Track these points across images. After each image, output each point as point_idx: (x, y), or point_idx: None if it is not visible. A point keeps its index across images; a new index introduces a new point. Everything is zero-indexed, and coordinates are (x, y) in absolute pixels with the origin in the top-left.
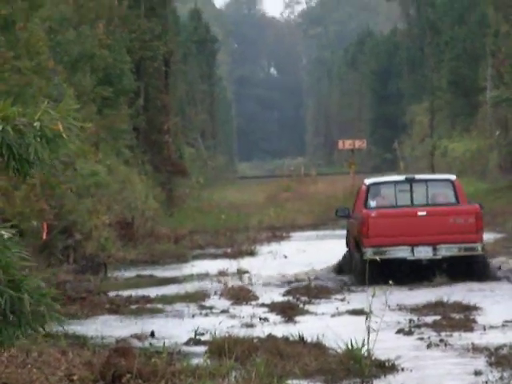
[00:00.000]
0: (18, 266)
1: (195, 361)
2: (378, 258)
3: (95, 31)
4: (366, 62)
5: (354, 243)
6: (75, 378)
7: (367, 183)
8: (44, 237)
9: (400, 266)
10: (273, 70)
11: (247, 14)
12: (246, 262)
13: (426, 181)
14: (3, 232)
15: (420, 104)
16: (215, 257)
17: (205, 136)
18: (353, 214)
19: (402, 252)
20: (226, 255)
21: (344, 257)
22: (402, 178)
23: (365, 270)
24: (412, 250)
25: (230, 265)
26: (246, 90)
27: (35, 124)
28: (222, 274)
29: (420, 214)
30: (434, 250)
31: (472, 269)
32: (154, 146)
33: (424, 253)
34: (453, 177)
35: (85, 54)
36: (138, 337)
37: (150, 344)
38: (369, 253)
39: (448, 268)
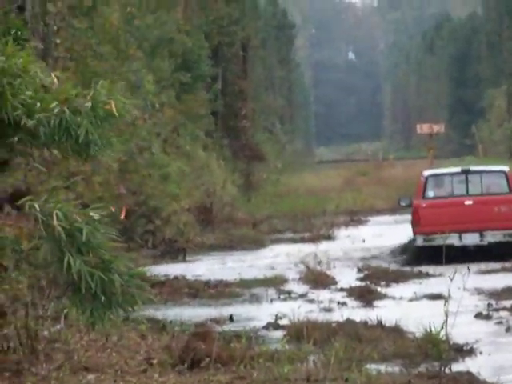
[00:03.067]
0: (107, 247)
1: (274, 345)
2: (427, 244)
3: (173, 16)
4: (444, 46)
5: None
6: (154, 362)
7: (426, 175)
8: (123, 217)
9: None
10: (351, 55)
11: None
12: (324, 247)
13: (481, 172)
14: (93, 213)
15: (498, 88)
16: (293, 241)
17: (283, 121)
18: (413, 203)
19: (450, 239)
20: (303, 240)
21: (409, 241)
22: (458, 169)
23: (416, 254)
24: (460, 237)
25: (308, 249)
26: (324, 74)
27: (86, 104)
28: (300, 258)
29: (467, 203)
30: (481, 236)
31: None
32: (232, 131)
33: (471, 239)
34: (506, 168)
35: (163, 38)
36: (217, 321)
37: (230, 328)
38: (419, 240)
39: (494, 254)
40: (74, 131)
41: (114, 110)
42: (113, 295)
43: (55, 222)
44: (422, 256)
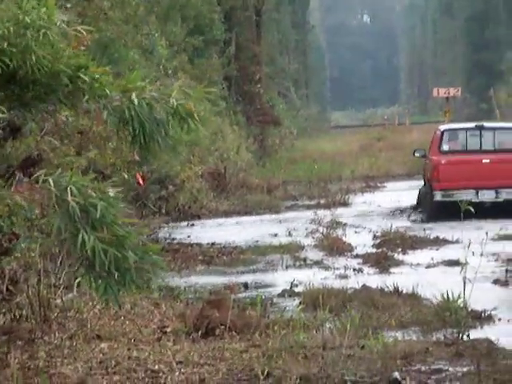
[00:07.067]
0: (121, 223)
1: (289, 313)
2: (445, 199)
3: None
4: (461, 7)
5: (427, 182)
6: (168, 330)
7: (442, 129)
8: (141, 183)
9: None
10: (366, 18)
11: None
12: (339, 213)
13: (494, 128)
14: (108, 189)
15: None
16: (308, 207)
17: (297, 85)
18: (428, 155)
19: (467, 195)
20: (319, 206)
21: (419, 191)
22: (472, 125)
23: (435, 208)
24: (477, 193)
25: (323, 215)
26: (339, 38)
27: (171, 101)
28: (315, 225)
29: (484, 161)
30: (497, 193)
31: None
32: (245, 96)
33: (487, 196)
34: None
35: (178, 2)
36: (232, 288)
37: (244, 296)
38: (438, 195)
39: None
40: (148, 125)
41: (194, 111)
42: (127, 272)
43: (69, 198)
44: (440, 211)
